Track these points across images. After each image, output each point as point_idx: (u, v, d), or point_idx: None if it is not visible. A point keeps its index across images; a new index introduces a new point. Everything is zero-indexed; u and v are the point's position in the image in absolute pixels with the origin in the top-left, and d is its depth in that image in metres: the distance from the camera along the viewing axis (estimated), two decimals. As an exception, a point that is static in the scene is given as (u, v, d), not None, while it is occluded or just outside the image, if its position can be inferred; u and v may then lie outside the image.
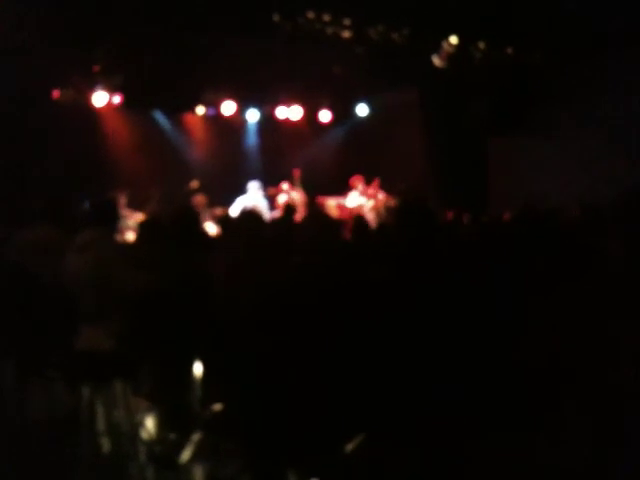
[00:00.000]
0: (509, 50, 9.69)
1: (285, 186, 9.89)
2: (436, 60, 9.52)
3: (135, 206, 8.21)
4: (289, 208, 6.77)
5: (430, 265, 3.06)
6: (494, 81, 10.05)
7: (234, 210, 8.79)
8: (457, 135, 10.75)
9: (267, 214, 8.81)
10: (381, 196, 9.91)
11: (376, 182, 9.96)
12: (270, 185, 9.93)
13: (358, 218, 4.85)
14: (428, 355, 2.77)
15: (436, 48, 9.55)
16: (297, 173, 10.11)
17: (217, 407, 3.35)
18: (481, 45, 9.57)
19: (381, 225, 6.05)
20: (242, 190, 9.65)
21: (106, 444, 3.86)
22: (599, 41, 8.26)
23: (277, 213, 8.92)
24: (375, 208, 9.68)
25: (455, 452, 2.63)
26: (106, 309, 3.87)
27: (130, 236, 7.15)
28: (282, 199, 9.67)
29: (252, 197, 9.56)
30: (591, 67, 8.68)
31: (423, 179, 10.68)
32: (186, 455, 3.37)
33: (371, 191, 9.99)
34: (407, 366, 2.80)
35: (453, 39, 9.32)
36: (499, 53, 9.68)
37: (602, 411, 2.23)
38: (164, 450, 3.55)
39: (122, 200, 8.01)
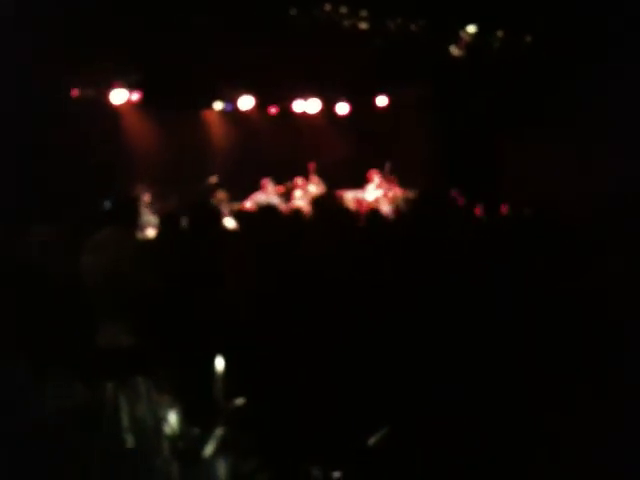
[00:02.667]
0: (528, 39, 9.58)
1: (300, 181, 9.90)
2: (454, 50, 9.45)
3: (156, 202, 8.26)
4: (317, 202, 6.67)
5: (439, 262, 3.05)
6: (511, 73, 9.94)
7: (249, 205, 8.82)
8: (470, 130, 10.68)
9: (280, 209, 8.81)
10: (398, 189, 9.89)
11: (388, 167, 9.95)
12: (287, 179, 9.94)
13: (373, 211, 4.83)
14: (442, 352, 2.77)
15: (454, 38, 9.48)
16: (312, 166, 10.12)
17: (240, 401, 3.36)
18: (499, 34, 9.48)
19: (399, 217, 6.02)
20: (259, 184, 9.68)
21: (130, 439, 3.88)
22: (610, 40, 8.16)
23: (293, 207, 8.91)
24: (393, 200, 9.65)
25: (478, 448, 2.62)
26: (125, 306, 3.89)
27: (151, 232, 7.19)
28: (299, 193, 9.68)
29: (266, 193, 9.59)
30: (599, 64, 8.58)
31: (439, 172, 10.62)
32: (209, 449, 3.39)
33: (387, 183, 9.97)
34: (428, 363, 2.79)
35: (471, 28, 9.24)
36: (518, 42, 9.58)
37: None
38: (187, 445, 3.57)
39: (144, 197, 8.06)
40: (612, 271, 2.49)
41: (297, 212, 5.66)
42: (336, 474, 2.95)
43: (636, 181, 6.67)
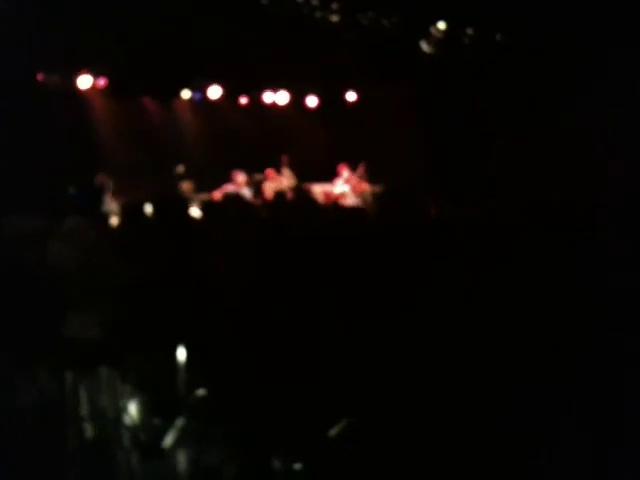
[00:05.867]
0: (498, 37, 9.65)
1: (271, 172, 9.87)
2: (424, 46, 9.49)
3: (121, 191, 8.16)
4: (280, 195, 6.71)
5: (415, 254, 3.06)
6: (485, 70, 9.98)
7: (217, 196, 8.76)
8: (448, 124, 10.69)
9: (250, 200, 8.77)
10: (366, 184, 9.90)
11: (362, 169, 9.94)
12: (257, 171, 9.90)
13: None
14: (413, 346, 2.78)
15: (425, 34, 9.52)
16: (285, 159, 10.10)
17: (201, 392, 3.35)
18: (470, 31, 9.54)
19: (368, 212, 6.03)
20: (228, 176, 9.61)
21: (90, 429, 3.85)
22: (597, 38, 8.20)
23: (263, 198, 8.89)
24: (361, 194, 9.68)
25: (441, 441, 2.64)
26: (92, 296, 3.85)
27: (114, 221, 7.10)
28: (269, 185, 9.65)
29: (236, 184, 9.54)
30: (591, 63, 8.61)
31: (411, 167, 10.64)
32: (170, 440, 3.37)
33: (356, 178, 9.98)
34: (392, 356, 2.80)
35: (441, 25, 9.29)
36: (488, 40, 9.64)
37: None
38: (148, 435, 3.55)
39: (108, 185, 7.96)
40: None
41: (265, 203, 5.65)
42: (297, 465, 2.96)
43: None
